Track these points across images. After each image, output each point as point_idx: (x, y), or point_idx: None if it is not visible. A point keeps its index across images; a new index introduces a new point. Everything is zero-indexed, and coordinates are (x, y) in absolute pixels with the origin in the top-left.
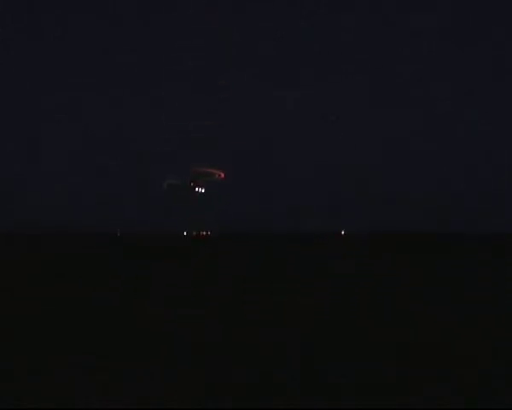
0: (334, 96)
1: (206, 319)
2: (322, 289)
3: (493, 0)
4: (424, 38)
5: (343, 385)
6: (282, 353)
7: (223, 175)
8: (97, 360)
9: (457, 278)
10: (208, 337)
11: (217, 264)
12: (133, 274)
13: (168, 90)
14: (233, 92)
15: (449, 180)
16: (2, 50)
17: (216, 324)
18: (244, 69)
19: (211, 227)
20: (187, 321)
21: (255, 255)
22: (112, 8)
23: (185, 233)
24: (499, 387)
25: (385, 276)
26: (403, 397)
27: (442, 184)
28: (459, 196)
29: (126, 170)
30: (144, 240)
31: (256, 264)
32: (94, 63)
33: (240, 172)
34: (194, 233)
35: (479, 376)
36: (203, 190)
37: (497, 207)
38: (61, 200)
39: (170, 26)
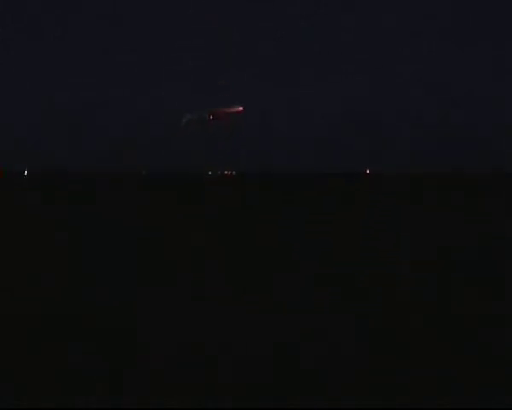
0: (334, 97)
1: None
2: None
3: (493, 0)
4: (424, 38)
5: (343, 385)
6: (283, 352)
7: (241, 108)
8: (97, 360)
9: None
10: (208, 337)
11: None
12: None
13: (168, 90)
14: (233, 92)
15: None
16: (2, 50)
17: (216, 316)
18: (244, 69)
19: (234, 165)
20: (189, 315)
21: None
22: (112, 8)
23: (210, 173)
24: (499, 387)
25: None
26: (403, 397)
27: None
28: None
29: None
30: (171, 181)
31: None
32: (94, 63)
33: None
34: (219, 173)
35: (479, 376)
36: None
37: None
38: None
39: (170, 26)
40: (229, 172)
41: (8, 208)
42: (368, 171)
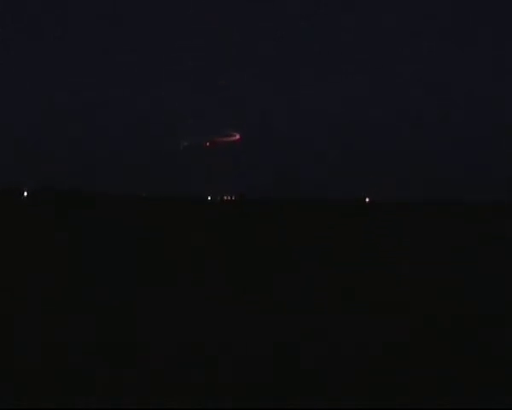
0: (334, 96)
1: (207, 316)
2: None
3: (493, 0)
4: (424, 38)
5: (343, 385)
6: (283, 352)
7: (238, 136)
8: (97, 360)
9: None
10: (208, 337)
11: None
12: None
13: (168, 90)
14: (233, 92)
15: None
16: (2, 50)
17: (217, 320)
18: (244, 69)
19: (233, 190)
20: (187, 318)
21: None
22: (112, 8)
23: (209, 198)
24: (499, 387)
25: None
26: (403, 397)
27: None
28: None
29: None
30: (167, 205)
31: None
32: (94, 63)
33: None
34: (219, 198)
35: (478, 375)
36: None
37: None
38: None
39: (170, 26)
40: (230, 197)
41: (9, 211)
42: (367, 199)
